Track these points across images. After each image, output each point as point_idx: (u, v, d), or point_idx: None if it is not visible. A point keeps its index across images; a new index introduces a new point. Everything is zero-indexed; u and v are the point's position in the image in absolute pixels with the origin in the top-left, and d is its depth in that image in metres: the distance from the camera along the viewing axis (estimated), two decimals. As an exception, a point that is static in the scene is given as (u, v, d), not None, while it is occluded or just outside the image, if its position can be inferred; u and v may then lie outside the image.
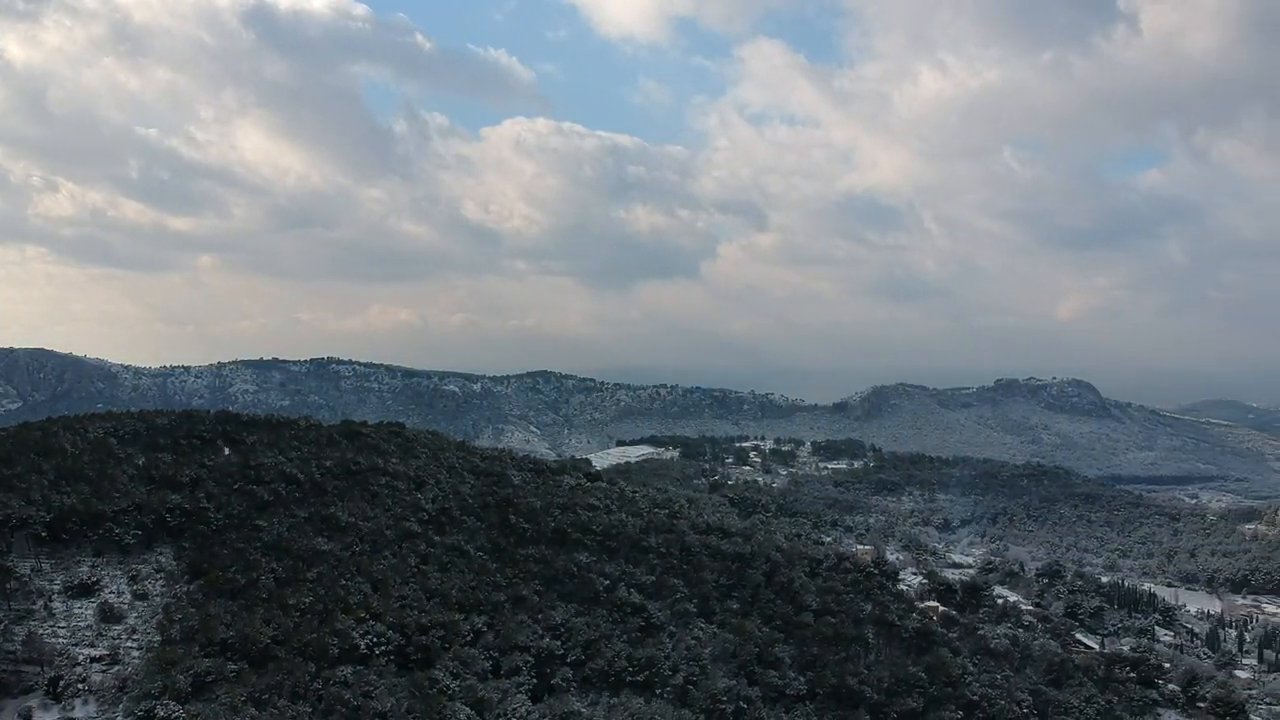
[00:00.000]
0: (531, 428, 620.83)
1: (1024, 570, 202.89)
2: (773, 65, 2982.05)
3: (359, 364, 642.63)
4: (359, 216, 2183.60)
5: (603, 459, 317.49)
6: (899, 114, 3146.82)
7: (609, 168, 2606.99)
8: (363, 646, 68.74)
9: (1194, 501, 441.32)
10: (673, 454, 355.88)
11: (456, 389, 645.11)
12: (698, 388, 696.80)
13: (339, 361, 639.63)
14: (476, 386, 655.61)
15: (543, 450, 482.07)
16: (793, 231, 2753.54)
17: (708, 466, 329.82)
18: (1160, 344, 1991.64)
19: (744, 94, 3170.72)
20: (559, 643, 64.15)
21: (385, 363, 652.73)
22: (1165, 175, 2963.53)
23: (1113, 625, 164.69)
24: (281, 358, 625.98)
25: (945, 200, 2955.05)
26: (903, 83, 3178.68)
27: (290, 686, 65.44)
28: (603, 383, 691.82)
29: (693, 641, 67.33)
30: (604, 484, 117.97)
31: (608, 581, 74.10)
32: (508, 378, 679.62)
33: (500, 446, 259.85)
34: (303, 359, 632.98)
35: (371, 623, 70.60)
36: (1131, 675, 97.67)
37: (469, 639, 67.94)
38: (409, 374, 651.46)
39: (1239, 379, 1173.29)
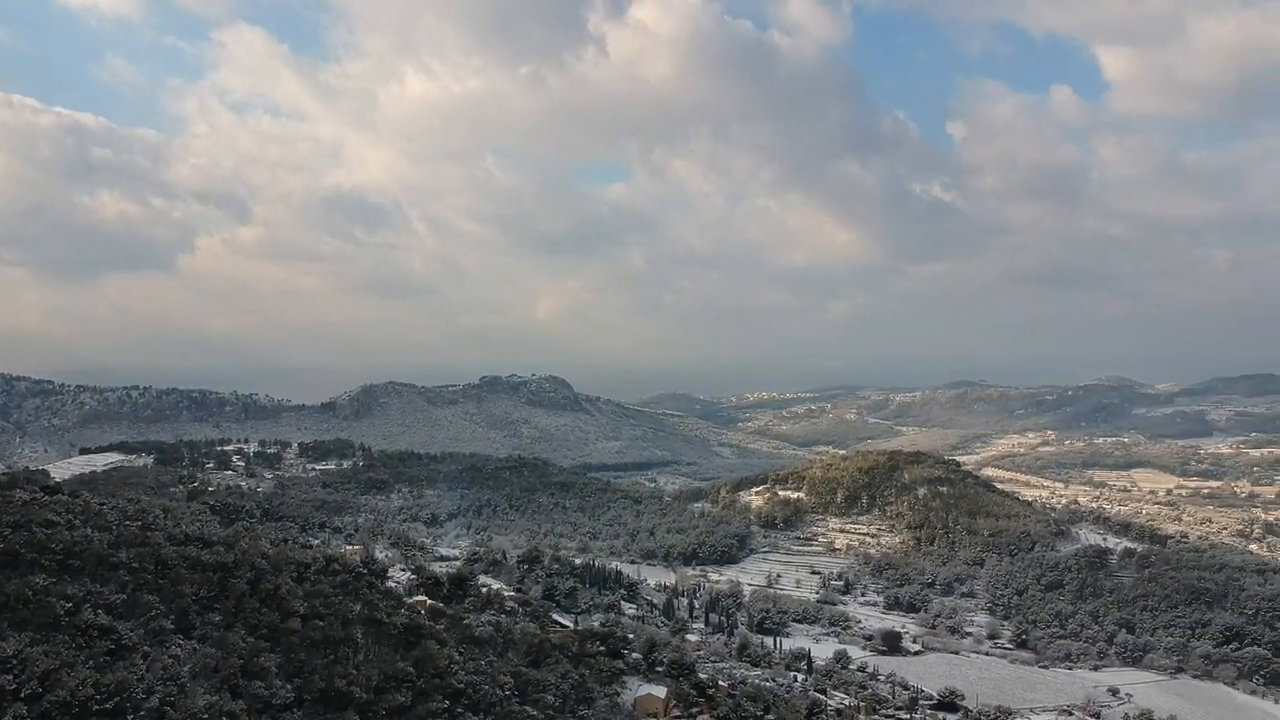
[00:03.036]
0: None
1: (506, 558, 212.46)
2: (254, 53, 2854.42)
3: None
4: None
5: (64, 469, 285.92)
6: (386, 113, 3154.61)
7: (69, 148, 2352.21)
8: None
9: (653, 485, 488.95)
10: (146, 461, 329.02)
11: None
12: (174, 389, 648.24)
13: None
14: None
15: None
16: (278, 225, 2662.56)
17: (186, 473, 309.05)
18: (624, 343, 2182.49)
19: (224, 80, 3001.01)
20: (11, 676, 57.58)
21: None
22: (629, 188, 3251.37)
23: (585, 603, 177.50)
24: None
25: (432, 201, 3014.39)
26: (389, 83, 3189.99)
27: None
28: (63, 385, 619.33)
29: (169, 660, 63.38)
30: (65, 497, 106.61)
31: (70, 604, 67.47)
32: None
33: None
34: None
35: None
36: (601, 649, 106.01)
37: (-107, 685, 58.92)
38: None
39: (688, 374, 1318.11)
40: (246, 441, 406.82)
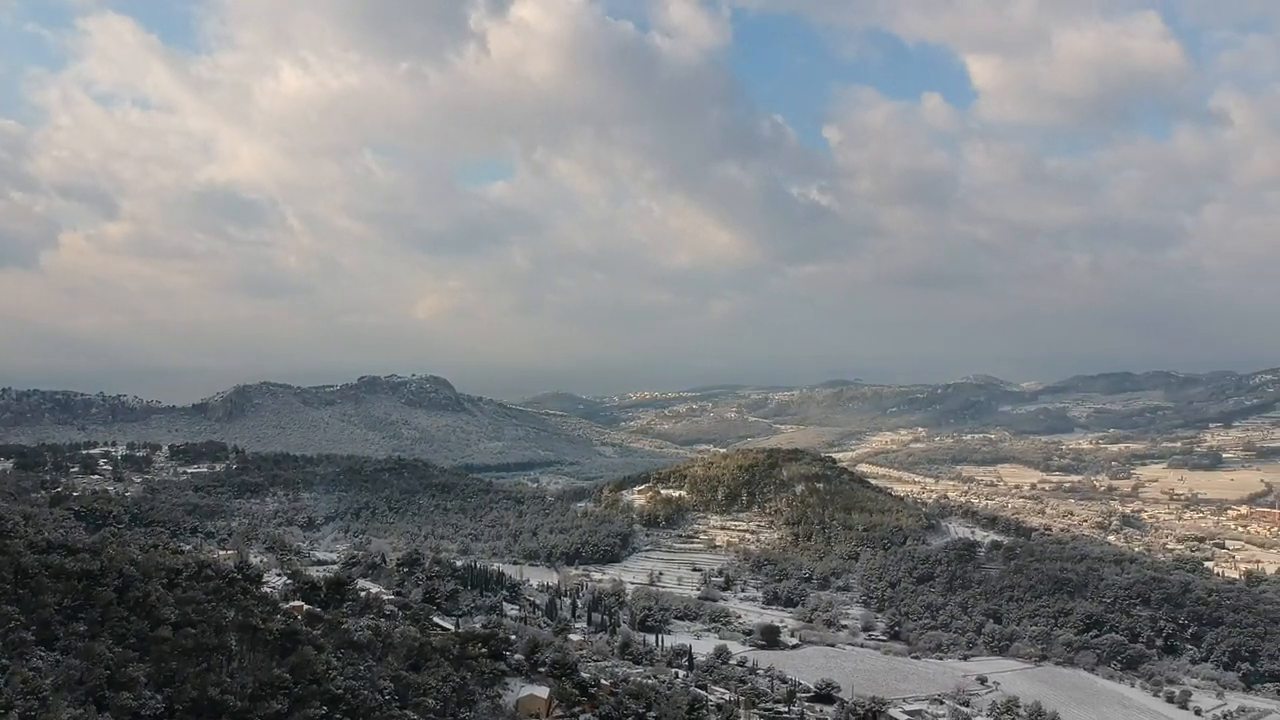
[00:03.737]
0: None
1: (386, 561, 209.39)
2: (123, 43, 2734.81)
3: None
4: None
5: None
6: (261, 107, 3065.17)
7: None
8: None
9: (536, 485, 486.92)
10: (5, 465, 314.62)
11: None
12: (36, 390, 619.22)
13: None
14: None
15: None
16: (148, 222, 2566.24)
17: (48, 478, 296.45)
18: (507, 342, 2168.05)
19: (90, 70, 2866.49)
20: None
21: None
22: (511, 187, 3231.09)
23: (466, 606, 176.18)
24: None
25: (308, 198, 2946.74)
26: (264, 76, 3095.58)
27: None
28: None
29: (30, 673, 60.94)
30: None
31: (-80, 617, 64.63)
32: None
33: None
34: None
35: None
36: (483, 650, 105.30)
37: None
38: None
39: (572, 374, 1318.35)
40: (114, 444, 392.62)
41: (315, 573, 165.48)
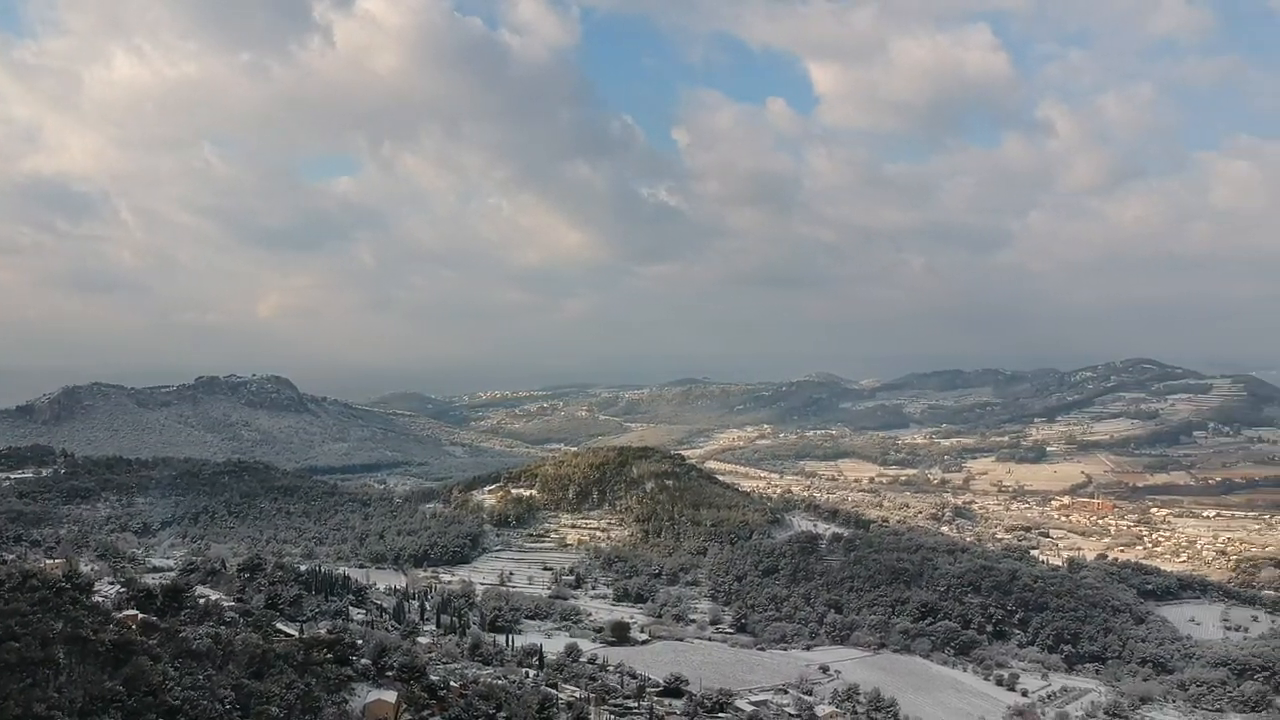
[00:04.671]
0: None
1: (226, 567, 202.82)
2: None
3: None
4: None
5: None
6: (91, 96, 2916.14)
7: None
8: None
9: (383, 486, 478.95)
10: None
11: None
12: None
13: None
14: None
15: None
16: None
17: None
18: (354, 341, 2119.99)
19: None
20: None
21: None
22: (357, 183, 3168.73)
23: (311, 611, 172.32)
24: None
25: (143, 191, 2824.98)
26: (95, 64, 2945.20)
27: None
28: None
29: None
30: None
31: None
32: None
33: None
34: None
35: None
36: (328, 656, 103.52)
37: None
38: None
39: (421, 373, 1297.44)
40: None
41: (151, 580, 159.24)
